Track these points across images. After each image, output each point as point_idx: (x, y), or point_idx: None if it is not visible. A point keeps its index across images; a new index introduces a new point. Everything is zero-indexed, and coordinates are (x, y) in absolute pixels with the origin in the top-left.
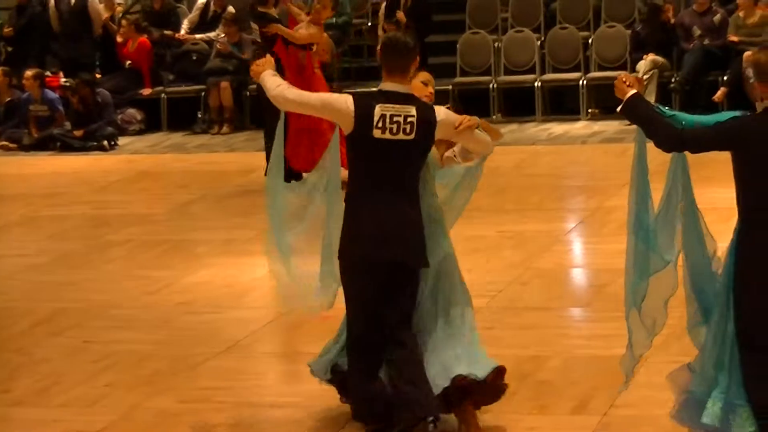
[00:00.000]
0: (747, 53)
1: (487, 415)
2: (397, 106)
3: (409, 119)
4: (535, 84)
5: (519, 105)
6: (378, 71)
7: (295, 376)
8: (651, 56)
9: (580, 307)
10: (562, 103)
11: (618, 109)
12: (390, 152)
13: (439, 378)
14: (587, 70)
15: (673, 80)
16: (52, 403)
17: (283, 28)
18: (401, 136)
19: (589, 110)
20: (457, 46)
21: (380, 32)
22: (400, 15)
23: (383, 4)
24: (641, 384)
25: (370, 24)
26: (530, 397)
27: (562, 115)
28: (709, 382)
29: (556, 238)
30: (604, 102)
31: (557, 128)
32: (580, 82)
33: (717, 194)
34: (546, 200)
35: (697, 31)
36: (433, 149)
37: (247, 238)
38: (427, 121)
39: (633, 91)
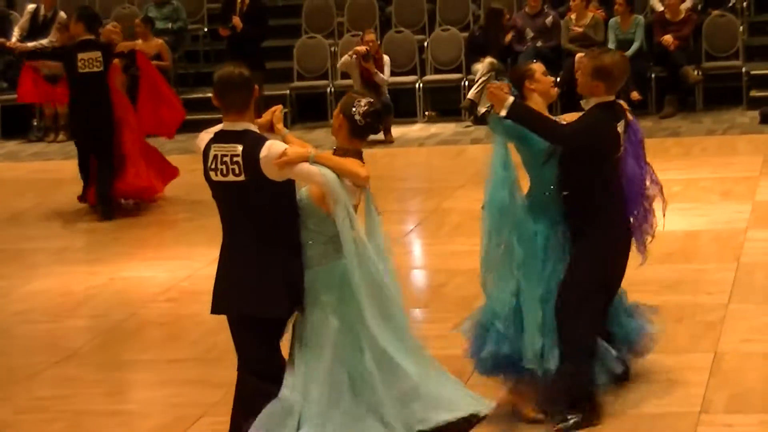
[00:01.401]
0: (579, 55)
1: None
2: (226, 145)
3: (235, 159)
4: None
5: None
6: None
7: (133, 384)
8: (488, 59)
9: (419, 308)
10: (398, 106)
11: (502, 113)
12: (227, 194)
13: None
14: (423, 73)
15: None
16: None
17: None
18: (231, 177)
19: (426, 112)
20: (294, 50)
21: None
22: (236, 20)
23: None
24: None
25: (206, 29)
26: None
27: (399, 118)
28: None
29: (394, 240)
30: (440, 104)
31: (394, 130)
32: (417, 85)
33: None
34: (384, 202)
35: (530, 33)
36: (309, 190)
37: (81, 247)
38: (252, 158)
39: (511, 98)
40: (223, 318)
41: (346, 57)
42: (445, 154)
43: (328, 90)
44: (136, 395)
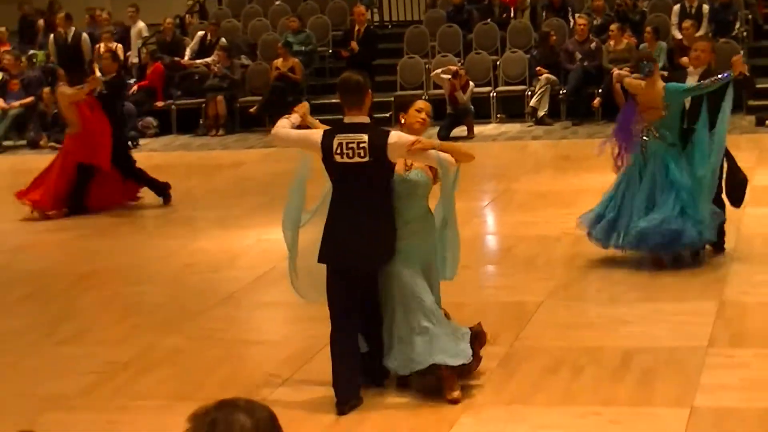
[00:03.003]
0: (614, 70)
1: None
2: (352, 134)
3: (361, 145)
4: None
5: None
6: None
7: (274, 320)
8: (545, 75)
9: (492, 265)
10: (478, 110)
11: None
12: (349, 173)
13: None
14: (496, 85)
15: (561, 92)
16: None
17: None
18: (356, 159)
19: (498, 115)
20: (397, 67)
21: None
22: (354, 44)
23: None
24: (539, 322)
25: (330, 51)
26: None
27: (478, 119)
28: None
29: (473, 212)
30: (509, 109)
31: (474, 129)
32: (491, 94)
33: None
34: (467, 184)
35: (578, 56)
36: (425, 173)
37: (236, 215)
38: (378, 145)
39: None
40: None
41: (438, 71)
42: (513, 148)
43: (423, 97)
44: (277, 329)
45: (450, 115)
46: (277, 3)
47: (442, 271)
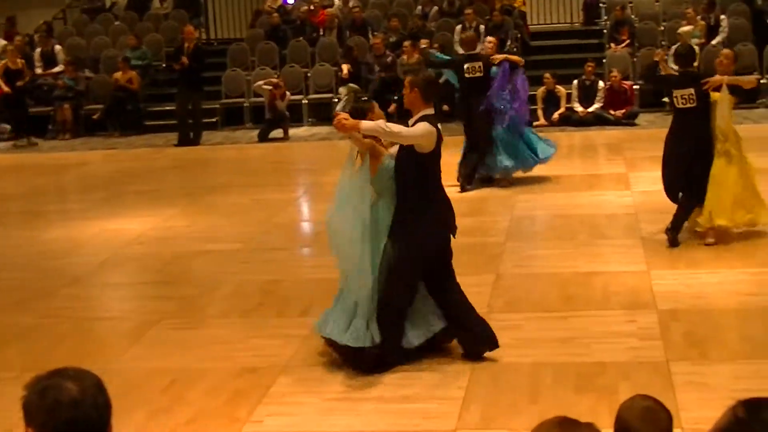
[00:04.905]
0: (407, 78)
1: (239, 318)
2: None
3: None
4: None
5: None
6: None
7: (116, 299)
8: (349, 84)
9: (307, 246)
10: (293, 115)
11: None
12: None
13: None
14: (308, 93)
15: (363, 99)
16: None
17: None
18: None
19: (309, 119)
20: (222, 79)
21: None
22: (184, 59)
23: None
24: None
25: (164, 65)
26: (273, 306)
27: (293, 123)
28: None
29: (289, 202)
30: (319, 114)
31: (290, 131)
32: (303, 101)
33: None
34: (282, 178)
35: (377, 68)
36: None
37: (82, 209)
38: None
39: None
40: (179, 250)
41: (261, 83)
42: (323, 147)
43: (245, 104)
44: (119, 306)
45: (268, 120)
46: (117, 23)
47: None
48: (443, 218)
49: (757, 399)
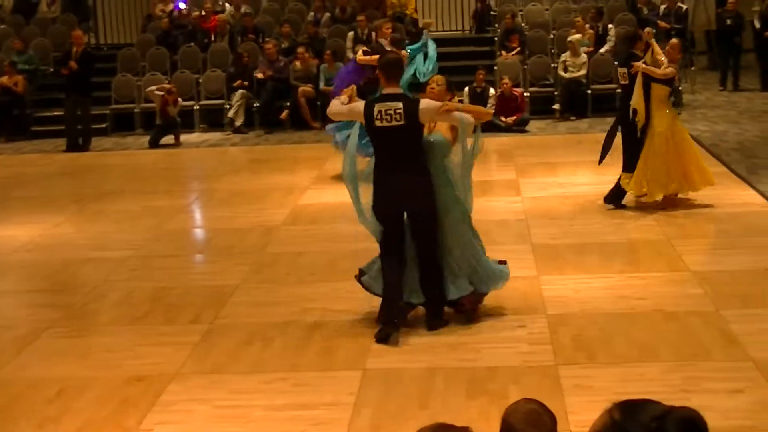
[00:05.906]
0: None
1: (128, 326)
2: (389, 103)
3: (397, 111)
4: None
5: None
6: None
7: (6, 307)
8: (240, 91)
9: (197, 254)
10: (185, 121)
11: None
12: (388, 135)
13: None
14: (199, 99)
15: (255, 105)
16: None
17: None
18: (393, 123)
19: (201, 125)
20: (112, 83)
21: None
22: (72, 64)
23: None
24: (237, 302)
25: (52, 69)
26: (162, 313)
27: (184, 129)
28: None
29: (180, 209)
30: (210, 120)
31: (181, 137)
32: (195, 107)
33: None
34: (173, 184)
35: (267, 73)
36: (445, 135)
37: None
38: (411, 111)
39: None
40: (67, 257)
41: (153, 88)
42: (214, 153)
43: (135, 110)
44: (5, 314)
45: (158, 126)
46: (2, 26)
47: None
48: None
49: (632, 401)
